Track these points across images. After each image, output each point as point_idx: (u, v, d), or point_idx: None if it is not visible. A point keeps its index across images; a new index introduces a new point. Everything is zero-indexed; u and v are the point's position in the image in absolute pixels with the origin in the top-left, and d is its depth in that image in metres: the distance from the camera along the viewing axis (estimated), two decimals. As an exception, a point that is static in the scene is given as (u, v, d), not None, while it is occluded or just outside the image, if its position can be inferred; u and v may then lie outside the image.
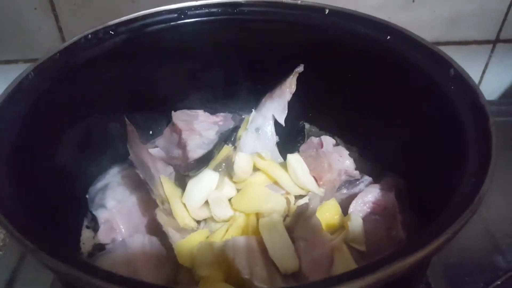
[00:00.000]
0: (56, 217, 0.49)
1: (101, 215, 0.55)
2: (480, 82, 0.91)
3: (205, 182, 0.56)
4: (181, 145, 0.63)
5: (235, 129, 0.66)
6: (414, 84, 0.54)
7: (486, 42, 0.85)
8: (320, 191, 0.59)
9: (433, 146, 0.50)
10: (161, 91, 0.65)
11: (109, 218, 0.54)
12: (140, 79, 0.62)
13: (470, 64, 0.86)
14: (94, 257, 0.52)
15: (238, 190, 0.58)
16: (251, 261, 0.46)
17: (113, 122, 0.58)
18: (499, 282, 0.55)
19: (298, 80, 0.63)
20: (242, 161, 0.57)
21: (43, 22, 0.73)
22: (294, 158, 0.60)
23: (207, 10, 0.62)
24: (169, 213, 0.54)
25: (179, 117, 0.66)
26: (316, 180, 0.60)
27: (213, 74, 0.67)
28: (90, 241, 0.56)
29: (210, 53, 0.64)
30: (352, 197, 0.56)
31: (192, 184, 0.56)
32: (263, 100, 0.65)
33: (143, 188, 0.55)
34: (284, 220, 0.53)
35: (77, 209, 0.58)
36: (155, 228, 0.53)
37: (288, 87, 0.63)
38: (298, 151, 0.64)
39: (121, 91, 0.60)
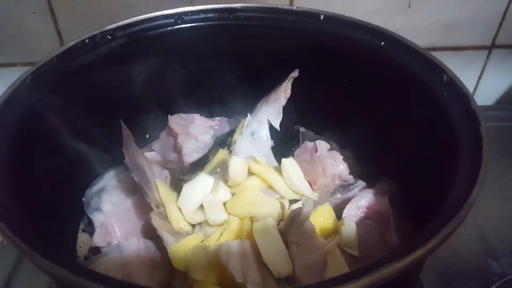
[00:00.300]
0: (53, 220, 0.49)
1: (97, 218, 0.55)
2: (476, 87, 0.91)
3: (200, 186, 0.57)
4: (177, 149, 0.63)
5: (231, 133, 0.66)
6: (407, 89, 0.54)
7: (482, 47, 0.85)
8: (314, 195, 0.59)
9: (426, 151, 0.50)
10: (157, 95, 0.66)
11: (105, 221, 0.55)
12: (137, 83, 0.62)
13: (466, 70, 0.87)
14: (89, 260, 0.52)
15: (233, 194, 0.59)
16: (244, 265, 0.46)
17: (109, 125, 0.58)
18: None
19: (293, 85, 0.63)
20: (236, 165, 0.58)
21: (42, 25, 0.74)
22: (288, 163, 0.60)
23: (203, 16, 0.62)
24: (164, 217, 0.54)
25: (175, 121, 0.67)
26: (311, 185, 0.60)
27: (209, 79, 0.67)
28: (86, 245, 0.56)
29: (207, 58, 0.64)
30: (346, 201, 0.57)
31: (187, 188, 0.57)
32: (259, 104, 0.65)
33: (139, 192, 0.55)
34: (278, 224, 0.54)
35: (73, 213, 0.58)
36: (150, 232, 0.54)
37: (283, 92, 0.63)
38: (293, 156, 0.65)
39: (118, 95, 0.61)
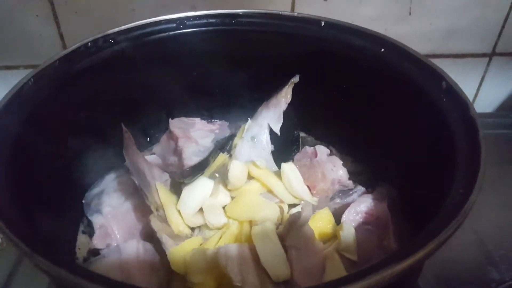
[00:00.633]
0: (52, 222, 0.49)
1: (97, 220, 0.55)
2: (476, 94, 0.91)
3: (200, 189, 0.57)
4: (177, 152, 0.63)
5: (231, 137, 0.66)
6: (407, 95, 0.54)
7: (482, 55, 0.85)
8: (313, 200, 0.59)
9: (425, 157, 0.50)
10: (159, 99, 0.66)
11: (104, 223, 0.55)
12: (139, 87, 0.62)
13: (467, 77, 0.87)
14: (88, 262, 0.52)
15: (232, 198, 0.59)
16: (243, 269, 0.47)
17: (110, 128, 0.59)
18: (492, 294, 0.56)
19: (293, 90, 0.64)
20: (236, 169, 0.58)
21: (44, 29, 0.74)
22: (288, 167, 0.60)
23: (205, 21, 0.63)
24: (164, 220, 0.54)
25: (176, 124, 0.67)
26: (310, 189, 0.60)
27: (211, 83, 0.68)
28: (85, 246, 0.56)
29: (208, 63, 0.64)
30: (345, 206, 0.57)
31: (187, 191, 0.57)
32: (259, 109, 0.66)
33: (138, 195, 0.56)
34: (277, 228, 0.54)
35: (73, 215, 0.58)
36: (149, 234, 0.54)
37: (284, 97, 0.63)
38: (293, 160, 0.65)
39: (119, 99, 0.61)
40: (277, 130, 0.65)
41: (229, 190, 0.59)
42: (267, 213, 0.55)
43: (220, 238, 0.54)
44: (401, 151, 0.56)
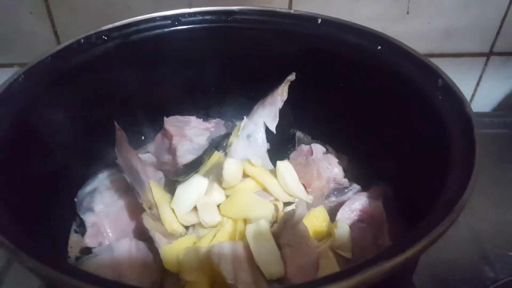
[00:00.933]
0: (44, 220, 0.49)
1: (89, 218, 0.55)
2: (474, 94, 0.91)
3: (194, 187, 0.57)
4: (171, 150, 0.63)
5: (227, 135, 0.66)
6: (403, 93, 0.54)
7: (480, 54, 0.85)
8: (308, 198, 0.59)
9: (420, 155, 0.50)
10: (153, 97, 0.66)
11: (96, 221, 0.54)
12: (133, 84, 0.62)
13: (464, 76, 0.87)
14: (80, 261, 0.52)
15: (227, 196, 0.58)
16: (236, 266, 0.46)
17: (104, 126, 0.58)
18: (487, 292, 0.55)
19: (290, 88, 0.63)
20: (231, 167, 0.58)
21: (39, 26, 0.74)
22: (283, 165, 0.60)
23: (200, 18, 0.62)
24: (157, 218, 0.54)
25: (171, 122, 0.67)
26: (305, 187, 0.60)
27: (206, 81, 0.67)
28: (77, 245, 0.56)
29: (203, 60, 0.64)
30: (340, 204, 0.57)
31: (181, 190, 0.57)
32: (255, 107, 0.66)
33: (131, 193, 0.55)
34: (272, 226, 0.53)
35: (65, 213, 0.57)
36: (142, 233, 0.53)
37: (280, 95, 0.63)
38: (288, 158, 0.65)
39: (113, 96, 0.61)
40: (273, 128, 0.65)
41: (224, 188, 0.59)
42: (262, 211, 0.55)
43: (214, 236, 0.53)
44: (396, 149, 0.55)
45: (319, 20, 0.61)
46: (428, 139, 0.49)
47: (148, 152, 0.68)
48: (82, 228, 0.57)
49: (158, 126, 0.69)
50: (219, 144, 0.65)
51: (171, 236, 0.53)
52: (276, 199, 0.59)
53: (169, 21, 0.61)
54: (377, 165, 0.60)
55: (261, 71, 0.65)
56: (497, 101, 0.93)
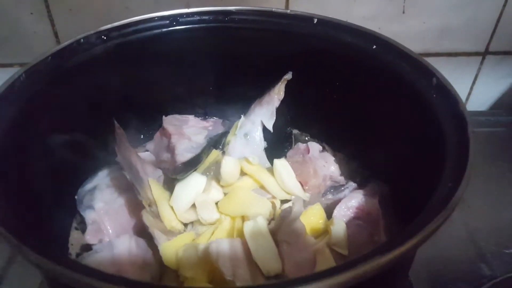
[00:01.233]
0: (45, 217, 0.49)
1: (89, 216, 0.55)
2: (469, 93, 0.92)
3: (193, 185, 0.57)
4: (170, 149, 0.64)
5: (224, 134, 0.66)
6: (398, 92, 0.55)
7: (476, 53, 0.86)
8: (305, 195, 0.60)
9: (416, 153, 0.51)
10: (152, 96, 0.67)
11: (97, 219, 0.55)
12: (132, 83, 0.63)
13: (460, 75, 0.88)
14: (80, 257, 0.52)
15: (225, 194, 0.59)
16: (234, 263, 0.47)
17: (104, 125, 0.59)
18: (483, 290, 0.56)
19: (286, 87, 0.64)
20: (229, 165, 0.58)
21: (39, 26, 0.74)
22: (280, 163, 0.61)
23: (198, 18, 0.63)
24: (156, 215, 0.55)
25: (169, 121, 0.67)
26: (302, 185, 0.61)
27: (204, 80, 0.68)
28: (78, 242, 0.57)
29: (201, 60, 0.65)
30: (337, 202, 0.57)
31: (179, 187, 0.57)
32: (252, 106, 0.66)
33: (131, 190, 0.56)
34: (269, 223, 0.54)
35: (66, 210, 0.58)
36: (142, 230, 0.54)
37: (277, 94, 0.64)
38: (285, 157, 0.65)
39: (112, 95, 0.61)
40: (270, 127, 0.65)
41: (222, 186, 0.59)
42: (259, 209, 0.56)
43: (212, 233, 0.54)
44: (392, 147, 0.56)
45: (315, 20, 0.61)
46: (423, 137, 0.50)
47: (147, 150, 0.68)
48: (82, 225, 0.57)
49: (157, 125, 0.69)
50: (217, 142, 0.65)
51: (170, 233, 0.54)
52: (274, 197, 0.59)
53: (167, 21, 0.62)
54: (373, 163, 0.61)
55: (258, 70, 0.65)
56: (493, 100, 0.94)
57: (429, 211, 0.37)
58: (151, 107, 0.68)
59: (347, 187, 0.60)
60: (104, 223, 0.54)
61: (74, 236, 0.57)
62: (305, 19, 0.62)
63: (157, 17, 0.61)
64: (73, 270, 0.32)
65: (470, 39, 0.84)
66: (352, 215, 0.55)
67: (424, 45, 0.83)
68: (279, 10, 0.63)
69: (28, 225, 0.42)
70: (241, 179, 0.60)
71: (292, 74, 0.63)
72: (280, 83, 0.64)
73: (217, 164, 0.60)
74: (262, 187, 0.60)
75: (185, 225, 0.57)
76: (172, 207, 0.56)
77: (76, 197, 0.58)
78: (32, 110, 0.49)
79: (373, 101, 0.59)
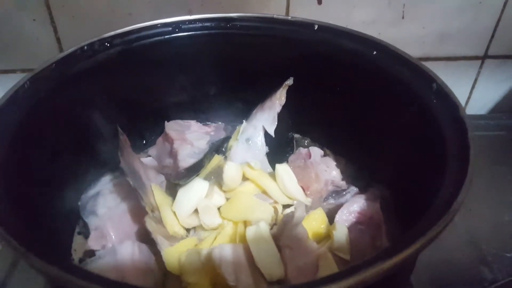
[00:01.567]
0: (48, 223, 0.50)
1: (92, 221, 0.56)
2: (469, 97, 0.92)
3: (195, 190, 0.57)
4: (173, 154, 0.64)
5: (226, 139, 0.67)
6: (398, 97, 0.55)
7: (475, 58, 0.86)
8: (307, 200, 0.60)
9: (416, 157, 0.51)
10: (155, 102, 0.67)
11: (100, 225, 0.55)
12: (135, 90, 0.63)
13: (459, 80, 0.88)
14: (83, 263, 0.53)
15: (227, 199, 0.59)
16: (237, 268, 0.47)
17: (106, 131, 0.59)
18: (485, 294, 0.56)
19: (288, 92, 0.64)
20: (231, 170, 0.58)
21: (41, 33, 0.75)
22: (282, 168, 0.61)
23: (200, 24, 0.63)
24: (159, 221, 0.55)
25: (171, 127, 0.68)
26: (304, 190, 0.61)
27: (206, 86, 0.68)
28: (81, 248, 0.57)
29: (203, 66, 0.65)
30: (339, 207, 0.57)
31: (182, 193, 0.57)
32: (254, 111, 0.67)
33: (134, 196, 0.56)
34: (271, 228, 0.54)
35: (69, 216, 0.58)
36: (145, 235, 0.54)
37: (278, 99, 0.64)
38: (287, 162, 0.65)
39: (115, 102, 0.61)
40: (271, 132, 0.66)
41: (224, 191, 0.60)
42: (262, 214, 0.56)
43: (215, 238, 0.54)
44: (393, 152, 0.56)
45: (316, 26, 0.62)
46: (423, 142, 0.50)
47: (150, 156, 0.69)
48: (85, 231, 0.57)
49: (159, 130, 0.70)
50: (219, 147, 0.65)
51: (172, 238, 0.54)
52: (275, 202, 0.60)
53: (170, 28, 0.62)
54: (374, 168, 0.61)
55: (259, 76, 0.66)
56: (492, 104, 0.94)
57: (431, 215, 0.37)
58: (154, 113, 0.69)
59: (349, 192, 0.61)
60: (107, 229, 0.55)
61: (77, 242, 0.57)
62: (306, 26, 0.62)
63: (160, 24, 0.61)
64: (78, 277, 0.32)
65: (469, 43, 0.84)
66: (354, 219, 0.55)
67: (424, 50, 0.84)
68: (280, 17, 0.64)
69: (32, 231, 0.42)
70: (243, 184, 0.60)
71: (293, 80, 0.63)
72: (281, 89, 0.64)
73: (219, 169, 0.60)
74: (264, 192, 0.60)
75: (188, 230, 0.57)
76: (174, 213, 0.57)
77: (79, 203, 0.59)
78: (36, 116, 0.50)
79: (373, 106, 0.60)
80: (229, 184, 0.58)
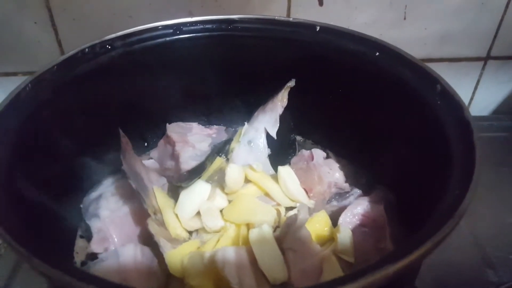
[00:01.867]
0: (50, 226, 0.49)
1: (95, 224, 0.55)
2: (472, 98, 0.92)
3: (197, 193, 0.57)
4: (174, 156, 0.64)
5: (228, 141, 0.67)
6: (402, 98, 0.55)
7: (477, 59, 0.86)
8: (310, 202, 0.60)
9: (421, 160, 0.51)
10: (156, 104, 0.67)
11: (102, 227, 0.55)
12: (136, 92, 0.63)
13: (462, 81, 0.88)
14: (86, 266, 0.52)
15: (229, 201, 0.59)
16: (240, 271, 0.47)
17: (108, 133, 0.59)
18: (489, 296, 0.56)
19: (289, 94, 0.64)
20: (233, 172, 0.58)
21: (42, 35, 0.75)
22: (285, 170, 0.61)
23: (201, 26, 0.63)
24: (161, 223, 0.55)
25: (173, 129, 0.67)
26: (307, 192, 0.61)
27: (207, 88, 0.68)
28: (83, 251, 0.56)
29: (205, 68, 0.65)
30: (342, 209, 0.57)
31: (184, 195, 0.57)
32: (256, 113, 0.66)
33: (136, 199, 0.56)
34: (274, 231, 0.54)
35: (71, 219, 0.58)
36: (147, 238, 0.54)
37: (280, 101, 0.64)
38: (289, 164, 0.65)
39: (117, 104, 0.61)
40: (273, 134, 0.65)
41: (226, 194, 0.60)
42: (264, 216, 0.56)
43: (217, 241, 0.54)
44: (397, 154, 0.56)
45: (318, 28, 0.61)
46: (428, 144, 0.50)
47: (151, 158, 0.68)
48: (87, 234, 0.57)
49: (161, 132, 0.70)
50: (221, 150, 0.65)
51: (175, 241, 0.54)
52: (278, 204, 0.59)
53: (171, 30, 0.62)
54: (377, 170, 0.61)
55: (261, 78, 0.66)
56: (495, 105, 0.94)
57: (436, 219, 0.37)
58: (155, 115, 0.69)
59: (352, 194, 0.60)
60: (110, 232, 0.54)
61: (79, 245, 0.57)
62: (307, 27, 0.62)
63: (161, 26, 0.61)
64: (80, 279, 0.32)
65: (472, 44, 0.84)
66: (358, 222, 0.55)
67: (426, 51, 0.83)
68: (282, 18, 0.63)
69: (35, 234, 0.42)
70: (246, 187, 0.60)
71: (295, 81, 0.63)
72: (283, 90, 0.64)
73: (222, 171, 0.60)
74: (267, 194, 0.60)
75: (190, 233, 0.57)
76: (176, 215, 0.56)
77: (81, 205, 0.59)
78: (38, 119, 0.50)
79: (376, 108, 0.59)
80: (231, 187, 0.58)
